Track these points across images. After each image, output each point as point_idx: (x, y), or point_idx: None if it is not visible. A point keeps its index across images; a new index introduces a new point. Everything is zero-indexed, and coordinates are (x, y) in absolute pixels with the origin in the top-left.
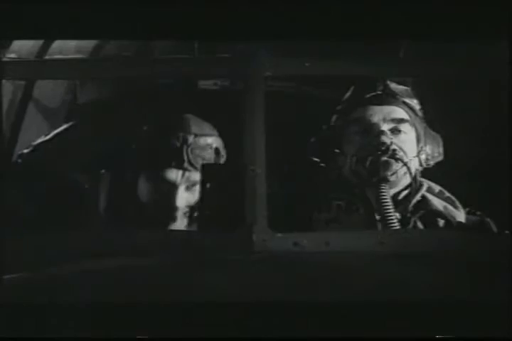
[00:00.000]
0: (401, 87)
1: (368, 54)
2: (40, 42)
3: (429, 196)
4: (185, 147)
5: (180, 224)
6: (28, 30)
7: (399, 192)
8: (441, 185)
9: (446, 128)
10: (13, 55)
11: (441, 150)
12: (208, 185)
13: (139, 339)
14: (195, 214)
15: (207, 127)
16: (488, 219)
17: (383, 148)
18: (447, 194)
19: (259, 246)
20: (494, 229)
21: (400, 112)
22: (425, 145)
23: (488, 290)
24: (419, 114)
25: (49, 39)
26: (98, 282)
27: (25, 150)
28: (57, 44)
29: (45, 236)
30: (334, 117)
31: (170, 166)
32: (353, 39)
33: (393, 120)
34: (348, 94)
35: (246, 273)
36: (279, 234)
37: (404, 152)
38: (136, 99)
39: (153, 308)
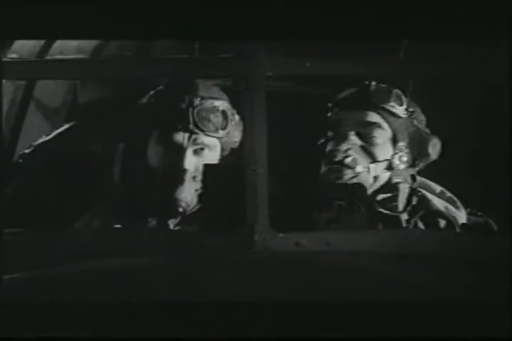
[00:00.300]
0: (382, 88)
1: (368, 54)
2: (41, 42)
3: (430, 196)
4: (190, 109)
5: (189, 187)
6: (28, 30)
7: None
8: (442, 186)
9: (445, 128)
10: (13, 55)
11: (431, 150)
12: (208, 185)
13: (139, 339)
14: (204, 178)
15: (215, 91)
16: (489, 220)
17: (333, 154)
18: (448, 194)
19: (260, 246)
20: (495, 229)
21: (371, 116)
22: (407, 146)
23: (488, 290)
24: (403, 115)
25: (49, 39)
26: (98, 282)
27: (26, 151)
28: (57, 44)
29: (45, 235)
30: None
31: (176, 129)
32: (353, 39)
33: (363, 124)
34: (332, 98)
35: (247, 272)
36: (280, 234)
37: (372, 156)
38: (136, 98)
39: (154, 308)
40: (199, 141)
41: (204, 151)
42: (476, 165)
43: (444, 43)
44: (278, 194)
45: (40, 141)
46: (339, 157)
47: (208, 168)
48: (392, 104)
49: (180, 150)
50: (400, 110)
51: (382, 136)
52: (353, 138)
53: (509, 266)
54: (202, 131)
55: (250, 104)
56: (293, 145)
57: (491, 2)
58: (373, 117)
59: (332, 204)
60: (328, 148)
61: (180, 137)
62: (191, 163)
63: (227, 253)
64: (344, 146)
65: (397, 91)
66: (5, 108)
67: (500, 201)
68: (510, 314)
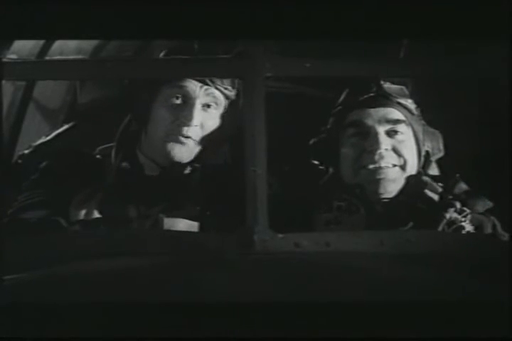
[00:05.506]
0: (395, 87)
1: (368, 54)
2: (41, 42)
3: (431, 195)
4: None
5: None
6: (28, 30)
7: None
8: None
9: (447, 127)
10: (13, 56)
11: (441, 146)
12: (208, 185)
13: (139, 339)
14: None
15: None
16: (488, 220)
17: (374, 152)
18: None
19: (259, 246)
20: (494, 229)
21: (395, 113)
22: (425, 142)
23: (489, 290)
24: (416, 112)
25: (49, 39)
26: (98, 282)
27: (25, 151)
28: (57, 44)
29: (45, 235)
30: (331, 119)
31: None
32: (353, 39)
33: (389, 121)
34: (342, 97)
35: (246, 273)
36: (280, 235)
37: (400, 153)
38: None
39: (153, 308)
40: (209, 91)
41: (210, 108)
42: (476, 164)
43: (444, 43)
44: (278, 194)
45: (40, 141)
46: (378, 155)
47: (207, 168)
48: (409, 100)
49: (190, 101)
50: (414, 107)
51: (407, 133)
52: (385, 136)
53: (509, 266)
54: (213, 82)
55: (250, 104)
56: (293, 146)
57: (491, 2)
58: (397, 114)
59: (331, 204)
60: (361, 144)
61: (193, 85)
62: (198, 116)
63: (227, 254)
64: (377, 144)
65: (403, 87)
66: (4, 108)
67: (500, 201)
68: (510, 314)
